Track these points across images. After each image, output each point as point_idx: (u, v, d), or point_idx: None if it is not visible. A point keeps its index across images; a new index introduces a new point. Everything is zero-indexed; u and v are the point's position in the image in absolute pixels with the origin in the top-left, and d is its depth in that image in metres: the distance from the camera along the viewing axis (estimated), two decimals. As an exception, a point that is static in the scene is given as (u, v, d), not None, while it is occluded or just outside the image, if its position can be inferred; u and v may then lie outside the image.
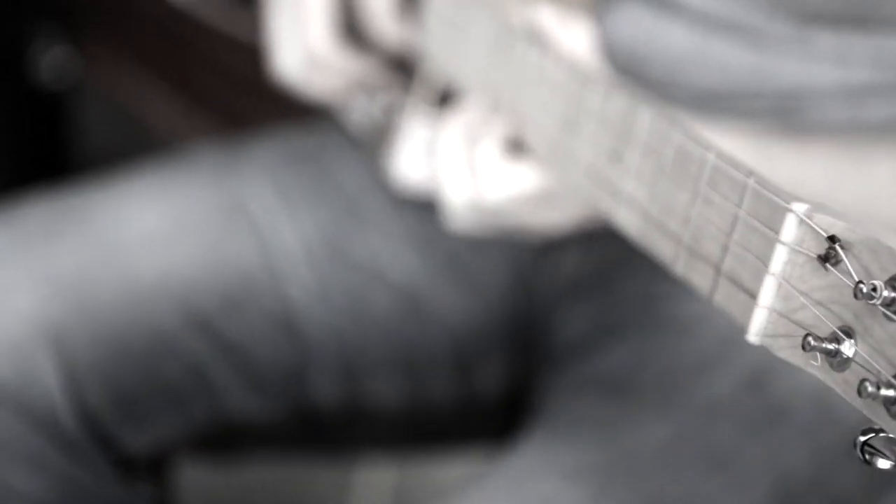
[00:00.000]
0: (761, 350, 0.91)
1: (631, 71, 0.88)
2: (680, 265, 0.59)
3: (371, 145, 1.07)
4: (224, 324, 1.01)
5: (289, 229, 1.04)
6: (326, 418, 1.07)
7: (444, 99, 0.97)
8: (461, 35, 0.90)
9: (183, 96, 1.99)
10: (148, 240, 1.01)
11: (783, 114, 0.87)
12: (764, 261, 0.52)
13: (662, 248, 0.61)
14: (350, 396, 1.06)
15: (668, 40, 0.88)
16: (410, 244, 1.06)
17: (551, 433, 0.91)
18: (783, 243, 0.51)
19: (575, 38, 0.80)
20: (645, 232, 0.63)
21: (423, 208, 1.07)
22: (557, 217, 0.85)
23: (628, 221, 0.65)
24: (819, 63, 0.85)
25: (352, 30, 1.04)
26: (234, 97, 1.91)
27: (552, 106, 0.76)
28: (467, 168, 0.83)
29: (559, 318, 1.05)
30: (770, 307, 0.52)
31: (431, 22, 0.96)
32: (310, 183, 1.08)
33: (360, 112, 1.07)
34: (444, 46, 0.93)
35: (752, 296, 0.53)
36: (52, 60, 1.97)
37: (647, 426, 0.89)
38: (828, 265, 0.49)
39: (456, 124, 0.85)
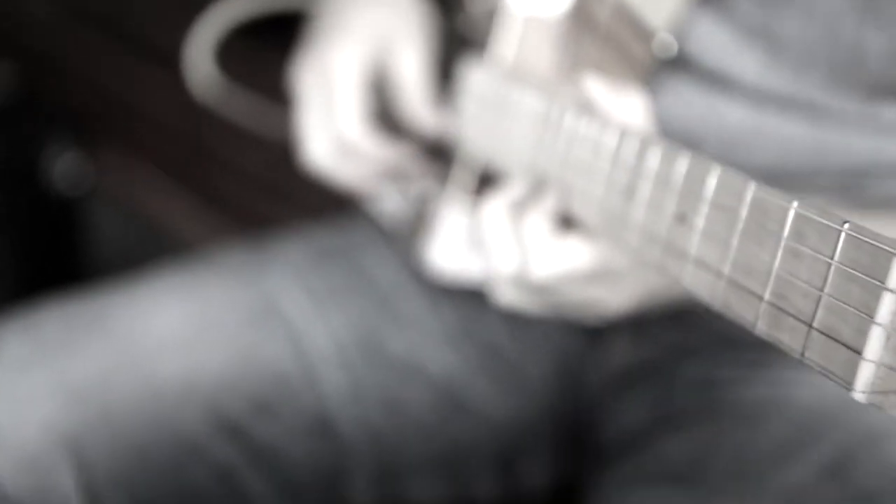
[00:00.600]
0: (840, 434, 0.87)
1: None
2: (763, 325, 0.54)
3: (404, 236, 1.03)
4: (255, 427, 0.96)
5: (321, 328, 1.00)
6: (365, 524, 1.01)
7: (482, 185, 0.93)
8: (502, 115, 0.87)
9: (199, 199, 1.96)
10: (171, 343, 0.96)
11: (846, 189, 0.83)
12: (867, 312, 0.47)
13: (741, 309, 0.56)
14: (389, 500, 1.00)
15: (723, 118, 0.84)
16: (447, 338, 1.01)
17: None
18: (891, 291, 0.46)
19: (627, 106, 0.76)
20: (718, 293, 0.58)
21: (461, 299, 1.03)
22: (614, 296, 0.80)
23: (699, 283, 0.60)
24: (886, 137, 0.82)
25: (386, 117, 1.01)
26: (254, 199, 1.88)
27: (605, 174, 0.72)
28: (513, 240, 0.78)
29: (611, 410, 1.00)
30: (878, 361, 0.47)
31: (468, 105, 0.92)
32: (341, 280, 1.03)
33: (393, 202, 1.04)
34: (484, 128, 0.90)
35: (856, 350, 0.47)
36: (64, 166, 1.94)
37: None
38: (942, 310, 0.44)
39: (500, 198, 0.81)
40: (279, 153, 1.06)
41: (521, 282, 0.78)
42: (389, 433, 0.99)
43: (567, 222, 0.77)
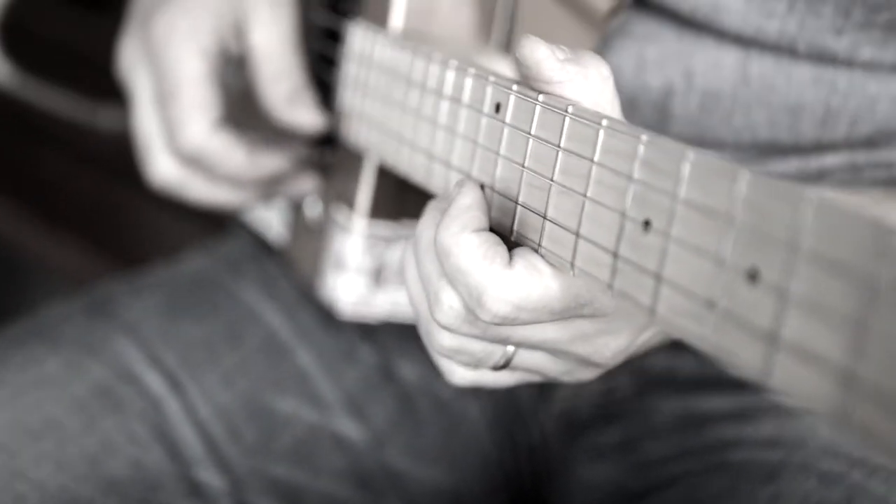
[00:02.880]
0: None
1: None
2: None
3: (290, 258, 0.79)
4: None
5: (188, 409, 0.75)
6: None
7: (382, 203, 0.70)
8: (402, 91, 0.62)
9: (25, 196, 1.64)
10: None
11: (855, 167, 0.65)
12: None
13: (738, 350, 0.38)
14: None
15: (707, 70, 0.66)
16: (357, 385, 0.78)
17: None
18: None
19: (585, 76, 0.51)
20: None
21: (362, 336, 0.79)
22: (610, 335, 0.54)
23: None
24: None
25: (252, 110, 0.75)
26: (103, 190, 1.57)
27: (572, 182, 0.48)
28: (440, 278, 0.52)
29: (567, 467, 0.78)
30: None
31: (351, 86, 0.67)
32: (210, 330, 0.78)
33: (271, 217, 0.79)
34: (374, 112, 0.65)
35: None
36: None
37: None
38: None
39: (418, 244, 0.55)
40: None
41: (474, 325, 0.52)
42: None
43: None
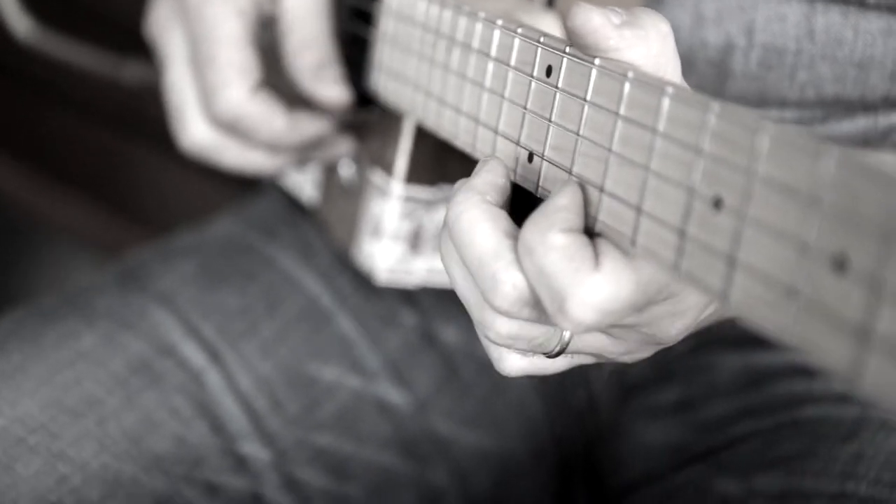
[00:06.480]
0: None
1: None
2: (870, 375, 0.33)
3: (328, 227, 0.76)
4: None
5: (229, 379, 0.72)
6: None
7: (418, 166, 0.66)
8: (442, 53, 0.58)
9: (28, 153, 1.61)
10: (27, 440, 0.66)
11: None
12: None
13: (824, 345, 0.35)
14: None
15: (769, 23, 0.62)
16: (388, 358, 0.75)
17: None
18: None
19: (644, 38, 0.47)
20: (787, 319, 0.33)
21: (402, 299, 0.77)
22: (680, 320, 0.51)
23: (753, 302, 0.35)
24: None
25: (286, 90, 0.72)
26: (115, 147, 1.54)
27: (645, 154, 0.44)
28: (521, 282, 0.48)
29: (625, 432, 0.75)
30: None
31: (405, 63, 0.64)
32: (247, 299, 0.75)
33: (308, 186, 0.76)
34: (424, 89, 0.61)
35: None
36: None
37: None
38: None
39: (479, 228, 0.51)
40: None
41: (536, 308, 0.49)
42: None
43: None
